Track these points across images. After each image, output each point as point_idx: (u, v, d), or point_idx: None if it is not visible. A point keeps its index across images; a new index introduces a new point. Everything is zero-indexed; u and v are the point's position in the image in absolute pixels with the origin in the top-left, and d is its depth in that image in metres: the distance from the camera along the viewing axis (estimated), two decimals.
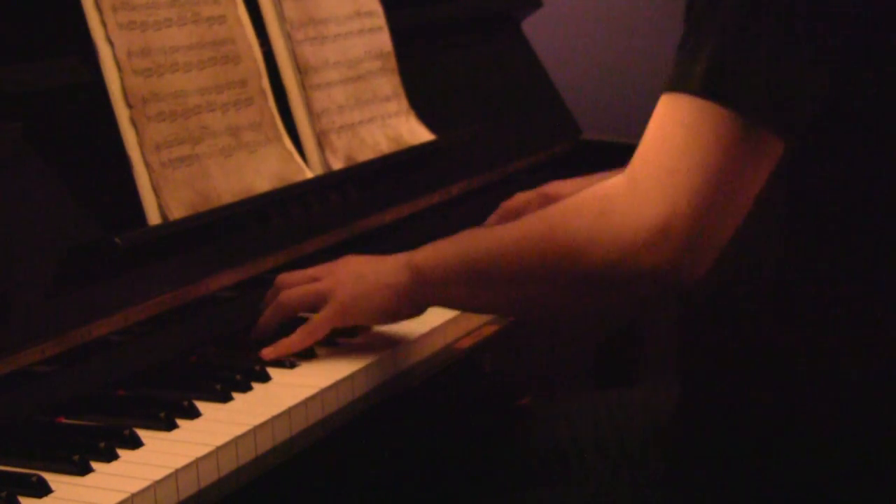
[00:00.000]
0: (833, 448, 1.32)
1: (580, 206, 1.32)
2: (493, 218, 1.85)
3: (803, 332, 1.31)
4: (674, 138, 1.24)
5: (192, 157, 1.58)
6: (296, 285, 1.53)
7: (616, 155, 1.93)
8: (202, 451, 1.26)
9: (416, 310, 1.50)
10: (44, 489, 1.19)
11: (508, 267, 1.37)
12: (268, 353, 1.47)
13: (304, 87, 1.79)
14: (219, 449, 1.28)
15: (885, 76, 1.25)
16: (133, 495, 1.18)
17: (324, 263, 1.55)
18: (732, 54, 1.22)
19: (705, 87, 1.23)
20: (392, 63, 1.96)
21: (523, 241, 1.36)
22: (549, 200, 1.81)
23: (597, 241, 1.28)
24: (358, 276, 1.49)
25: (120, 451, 1.26)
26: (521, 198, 1.85)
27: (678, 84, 1.25)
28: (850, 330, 1.30)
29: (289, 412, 1.36)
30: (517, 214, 1.82)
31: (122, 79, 1.52)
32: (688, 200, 1.23)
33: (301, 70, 1.79)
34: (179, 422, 1.33)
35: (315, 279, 1.52)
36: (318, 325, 1.49)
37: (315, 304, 1.50)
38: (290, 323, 1.51)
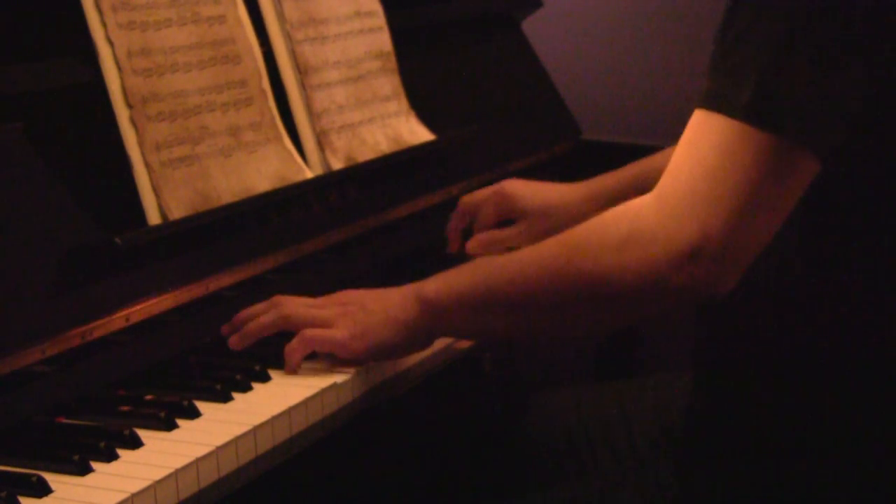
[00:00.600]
0: (846, 448, 1.31)
1: (604, 230, 1.31)
2: (455, 219, 1.84)
3: (819, 332, 1.31)
4: (708, 160, 1.24)
5: (192, 157, 1.58)
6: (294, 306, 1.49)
7: (616, 155, 1.94)
8: (202, 451, 1.26)
9: (425, 344, 1.47)
10: (44, 489, 1.19)
11: (531, 296, 1.35)
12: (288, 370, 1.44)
13: (304, 87, 1.79)
14: (219, 449, 1.28)
15: None
16: (133, 495, 1.18)
17: (322, 297, 1.51)
18: (778, 79, 1.21)
19: (750, 112, 1.22)
20: (392, 63, 1.96)
21: (545, 269, 1.34)
22: (505, 198, 1.81)
23: (625, 264, 1.27)
24: (364, 309, 1.45)
25: (120, 451, 1.26)
26: (479, 194, 1.85)
27: (717, 104, 1.24)
28: (867, 331, 1.30)
29: (289, 412, 1.36)
30: (475, 211, 1.84)
31: (122, 79, 1.52)
32: (721, 223, 1.22)
33: (301, 70, 1.79)
34: (179, 422, 1.33)
35: (315, 307, 1.48)
36: (323, 337, 1.44)
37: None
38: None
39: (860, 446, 1.31)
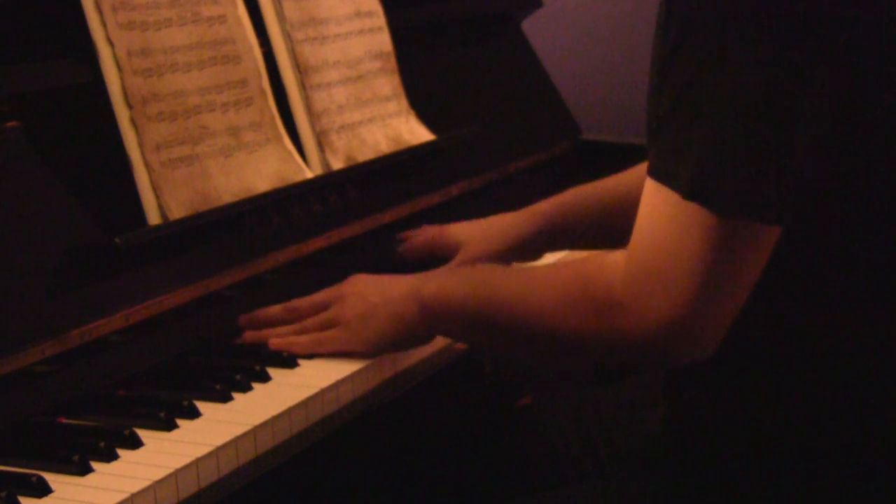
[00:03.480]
0: (814, 455, 1.31)
1: (581, 291, 1.31)
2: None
3: (779, 337, 1.31)
4: (667, 239, 1.23)
5: (192, 157, 1.58)
6: (305, 308, 1.55)
7: (616, 155, 1.94)
8: (202, 451, 1.26)
9: (425, 340, 1.52)
10: (44, 489, 1.19)
11: (515, 333, 1.39)
12: (275, 343, 1.51)
13: (304, 87, 1.79)
14: (219, 449, 1.28)
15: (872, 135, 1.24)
16: (133, 495, 1.18)
17: (331, 287, 1.56)
18: (717, 158, 1.19)
19: (694, 191, 1.20)
20: (392, 63, 1.96)
21: (531, 316, 1.36)
22: (442, 233, 1.81)
23: (602, 333, 1.29)
24: (366, 302, 1.50)
25: (120, 451, 1.26)
26: (416, 243, 1.83)
27: (664, 178, 1.23)
28: (832, 341, 1.29)
29: (289, 412, 1.36)
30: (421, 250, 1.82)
31: (122, 79, 1.52)
32: (689, 303, 1.22)
33: (301, 70, 1.79)
34: (179, 422, 1.33)
35: (324, 304, 1.54)
36: (326, 340, 1.51)
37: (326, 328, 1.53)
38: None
39: (832, 454, 1.31)
